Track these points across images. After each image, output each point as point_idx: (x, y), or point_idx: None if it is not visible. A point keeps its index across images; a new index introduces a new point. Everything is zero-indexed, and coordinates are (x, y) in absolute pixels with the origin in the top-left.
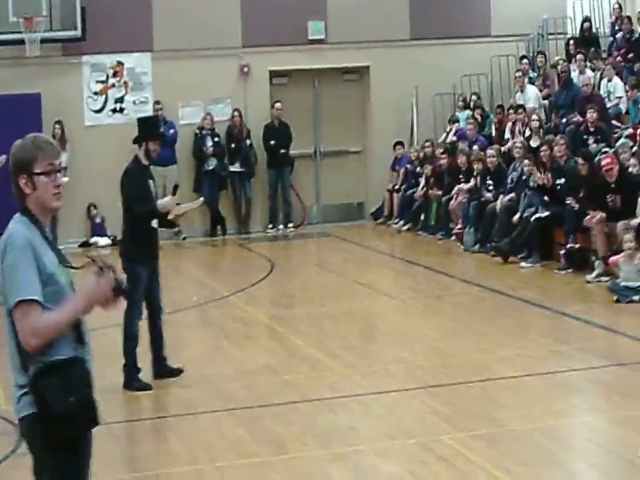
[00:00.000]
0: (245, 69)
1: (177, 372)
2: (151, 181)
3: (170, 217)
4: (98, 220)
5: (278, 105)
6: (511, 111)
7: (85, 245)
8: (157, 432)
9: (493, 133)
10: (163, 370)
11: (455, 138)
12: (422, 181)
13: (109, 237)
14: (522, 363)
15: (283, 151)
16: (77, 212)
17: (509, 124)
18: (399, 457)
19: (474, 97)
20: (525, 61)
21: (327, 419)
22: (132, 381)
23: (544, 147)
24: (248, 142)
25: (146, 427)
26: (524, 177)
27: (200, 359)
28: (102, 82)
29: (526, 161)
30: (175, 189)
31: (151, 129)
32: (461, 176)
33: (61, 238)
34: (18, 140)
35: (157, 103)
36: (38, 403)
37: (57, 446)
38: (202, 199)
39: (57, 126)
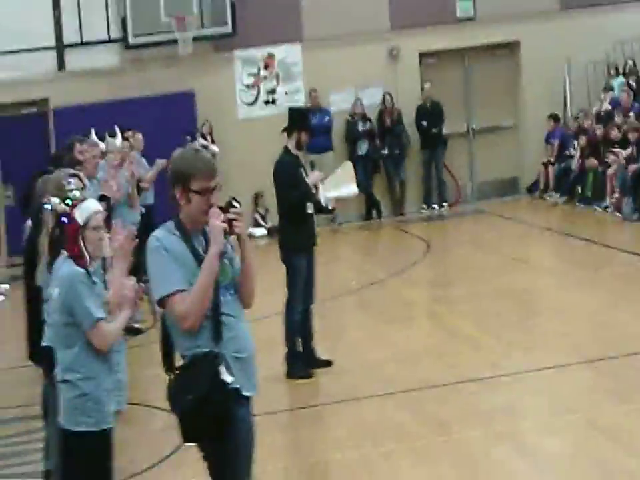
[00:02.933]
0: (394, 52)
1: (326, 364)
2: (301, 169)
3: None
4: (261, 211)
5: (427, 85)
6: None
7: None
8: (320, 419)
9: None
10: (312, 361)
11: (609, 107)
12: (577, 152)
13: (265, 228)
14: None
15: (434, 130)
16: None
17: None
18: (563, 434)
19: (629, 63)
20: None
21: (489, 398)
22: (294, 369)
23: None
24: (400, 125)
25: (309, 414)
26: None
27: (360, 343)
28: (254, 75)
29: None
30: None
31: (303, 119)
32: (616, 145)
33: None
34: (179, 149)
35: (313, 91)
36: (169, 402)
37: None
38: (355, 190)
39: (205, 125)
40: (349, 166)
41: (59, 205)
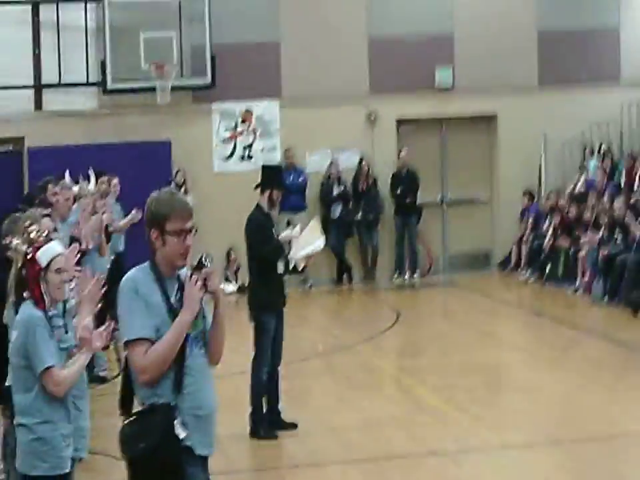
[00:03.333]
0: (372, 117)
1: (290, 426)
2: (273, 228)
3: (295, 264)
4: (233, 267)
5: (404, 152)
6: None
7: None
8: None
9: (622, 183)
10: (276, 423)
11: (582, 189)
12: (549, 230)
13: (235, 285)
14: None
15: (409, 199)
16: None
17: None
18: None
19: (603, 146)
20: None
21: (453, 472)
22: (259, 429)
23: None
24: (374, 190)
25: (271, 477)
26: None
27: (326, 408)
28: (231, 129)
29: None
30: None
31: (275, 177)
32: (589, 227)
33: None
34: (155, 192)
35: (287, 150)
36: (120, 447)
37: None
38: (322, 243)
39: (179, 174)
40: (315, 223)
41: (20, 247)
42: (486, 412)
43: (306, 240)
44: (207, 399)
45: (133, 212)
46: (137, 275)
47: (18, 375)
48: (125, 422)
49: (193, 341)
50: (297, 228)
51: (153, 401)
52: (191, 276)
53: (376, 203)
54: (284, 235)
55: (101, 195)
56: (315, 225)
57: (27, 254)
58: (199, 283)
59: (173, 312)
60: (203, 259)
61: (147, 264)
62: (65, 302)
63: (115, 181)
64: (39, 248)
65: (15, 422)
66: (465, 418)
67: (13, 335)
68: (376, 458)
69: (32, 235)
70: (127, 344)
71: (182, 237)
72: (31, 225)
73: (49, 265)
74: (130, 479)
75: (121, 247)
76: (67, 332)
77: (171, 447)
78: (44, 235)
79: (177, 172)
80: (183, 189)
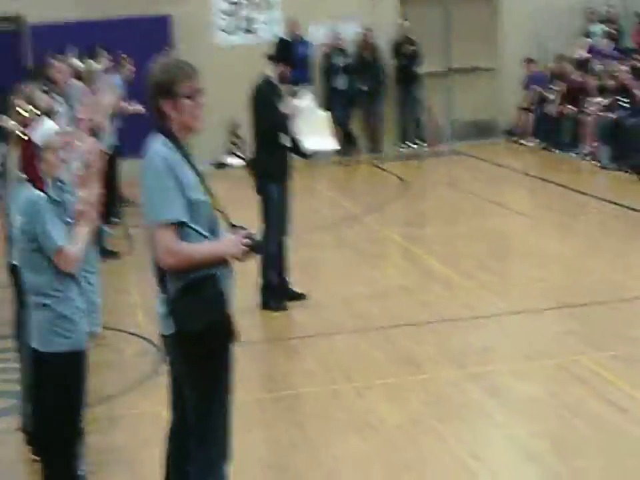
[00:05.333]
0: None
1: (300, 297)
2: (280, 99)
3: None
4: (238, 141)
5: (406, 22)
6: None
7: (221, 166)
8: (294, 352)
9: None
10: (286, 294)
11: (588, 54)
12: (556, 98)
13: (242, 158)
14: None
15: (411, 68)
16: (213, 132)
17: None
18: (535, 378)
19: (607, 9)
20: None
21: (463, 339)
22: (269, 301)
23: None
24: (377, 60)
25: (283, 347)
26: None
27: (335, 278)
28: (231, 2)
29: None
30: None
31: (290, 52)
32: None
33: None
34: (155, 63)
35: (293, 23)
36: (176, 323)
37: (200, 362)
38: (336, 146)
39: (170, 53)
40: (327, 118)
41: (13, 126)
42: (494, 279)
43: (314, 128)
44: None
45: (139, 107)
46: (165, 152)
47: (28, 257)
48: (175, 296)
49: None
50: (306, 98)
51: (195, 275)
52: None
53: (379, 73)
54: (292, 103)
55: (106, 71)
56: (325, 118)
57: (20, 134)
58: (245, 242)
59: (206, 187)
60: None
61: (159, 139)
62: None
63: (130, 66)
64: (31, 127)
65: (31, 303)
66: (473, 285)
67: (17, 220)
68: (386, 326)
69: (23, 115)
70: (161, 224)
71: (196, 98)
72: (20, 104)
73: (45, 144)
74: (190, 356)
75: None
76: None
77: (230, 318)
78: (37, 113)
79: (168, 50)
80: None
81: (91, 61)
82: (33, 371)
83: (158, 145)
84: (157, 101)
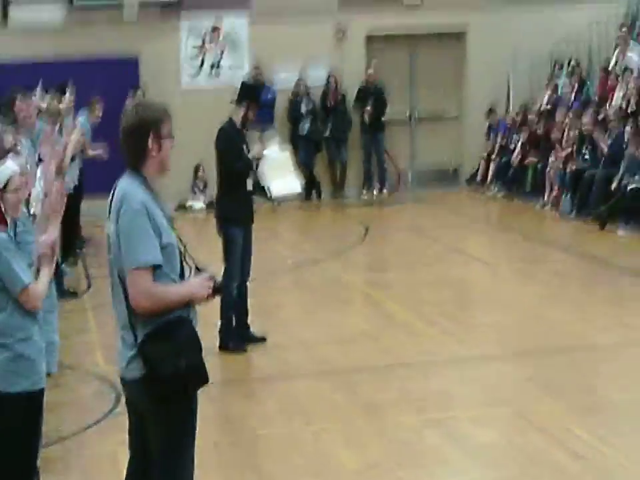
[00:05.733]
0: (341, 33)
1: (260, 340)
2: (245, 145)
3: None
4: (200, 184)
5: (370, 70)
6: (612, 75)
7: (182, 207)
8: (252, 394)
9: (593, 98)
10: (246, 337)
11: (551, 104)
12: (518, 146)
13: (204, 201)
14: (620, 332)
15: (375, 114)
16: (176, 175)
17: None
18: (494, 425)
19: (572, 62)
20: (624, 29)
21: (423, 384)
22: (228, 343)
23: None
24: (343, 106)
25: (241, 389)
26: (623, 145)
27: (295, 322)
28: (199, 46)
29: (627, 128)
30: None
31: (254, 94)
32: (556, 143)
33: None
34: (137, 102)
35: (256, 67)
36: (147, 367)
37: (170, 405)
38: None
39: (139, 92)
40: (288, 156)
41: None
42: (455, 326)
43: (278, 169)
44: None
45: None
46: (140, 193)
47: None
48: (145, 340)
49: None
50: (271, 145)
51: (168, 318)
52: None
53: (344, 119)
54: (255, 150)
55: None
56: (288, 158)
57: None
58: (210, 285)
59: (174, 229)
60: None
61: (134, 179)
62: (33, 217)
63: (99, 105)
64: None
65: None
66: (434, 331)
67: None
68: (345, 371)
69: None
70: (138, 267)
71: (171, 139)
72: None
73: (5, 185)
74: (158, 399)
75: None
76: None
77: (203, 361)
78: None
79: (137, 89)
80: None
81: (55, 101)
82: None
83: (135, 186)
84: (144, 141)
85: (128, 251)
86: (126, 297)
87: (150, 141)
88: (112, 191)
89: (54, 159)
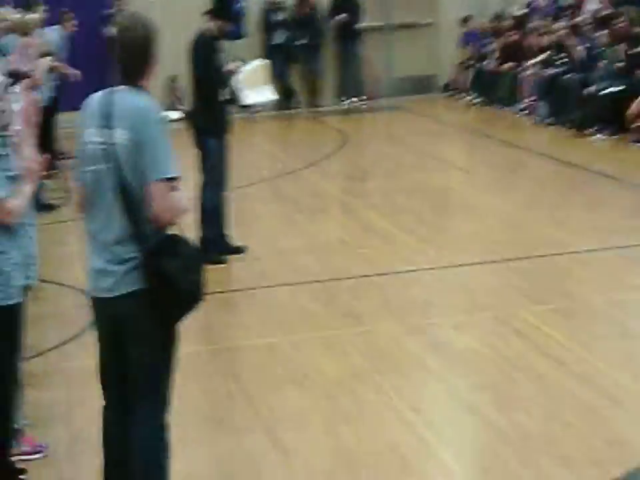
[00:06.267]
0: None
1: (238, 250)
2: (220, 55)
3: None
4: (177, 94)
5: None
6: None
7: None
8: (232, 304)
9: (566, 3)
10: (225, 247)
11: (525, 10)
12: (494, 54)
13: (182, 111)
14: (597, 237)
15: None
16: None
17: None
18: (474, 331)
19: None
20: None
21: (402, 292)
22: (207, 254)
23: (620, 18)
24: (315, 14)
25: (220, 300)
26: (596, 51)
27: (274, 232)
28: None
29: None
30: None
31: (227, 8)
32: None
33: None
34: (133, 14)
35: None
36: (157, 281)
37: (169, 322)
38: (274, 96)
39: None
40: (264, 67)
41: None
42: (433, 233)
43: (254, 78)
44: None
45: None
46: (155, 103)
47: None
48: (154, 253)
49: None
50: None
51: (162, 234)
52: None
53: (317, 28)
54: (231, 65)
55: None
56: (263, 67)
57: None
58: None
59: None
60: None
61: (138, 93)
62: (4, 130)
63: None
64: None
65: None
66: (412, 240)
67: None
68: (325, 280)
69: None
70: (164, 179)
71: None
72: None
73: None
74: (158, 314)
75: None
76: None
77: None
78: None
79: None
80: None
81: (27, 13)
82: None
83: (148, 98)
84: (149, 55)
85: (156, 161)
86: (130, 209)
87: (151, 55)
88: (98, 101)
89: (27, 72)
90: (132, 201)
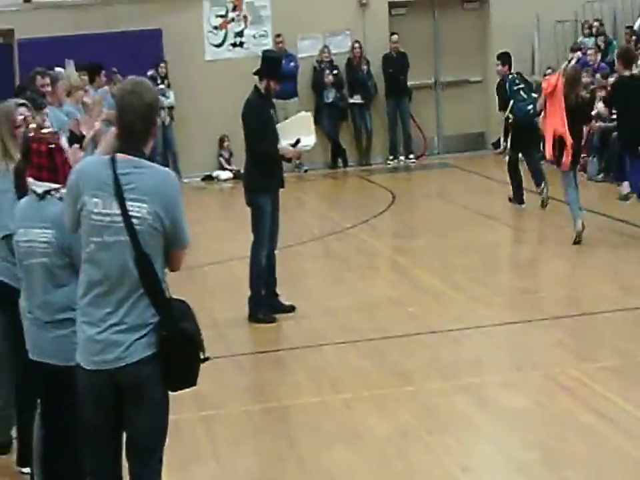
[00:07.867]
0: (364, 1)
1: (289, 309)
2: (272, 111)
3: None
4: (226, 154)
5: (395, 37)
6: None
7: (209, 178)
8: (282, 363)
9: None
10: (274, 306)
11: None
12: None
13: (231, 171)
14: None
15: (401, 77)
16: (202, 146)
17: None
18: (523, 389)
19: (596, 23)
20: None
21: (452, 350)
22: (257, 313)
23: None
24: (367, 73)
25: (271, 359)
26: None
27: (323, 290)
28: (222, 16)
29: None
30: (297, 143)
31: (275, 68)
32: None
33: (185, 171)
34: (138, 80)
35: (277, 36)
36: (185, 345)
37: (174, 382)
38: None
39: (162, 65)
40: (308, 117)
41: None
42: (482, 291)
43: (294, 129)
44: None
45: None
46: None
47: (57, 272)
48: (174, 317)
49: None
50: (286, 123)
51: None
52: None
53: (368, 86)
54: (282, 148)
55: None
56: (306, 117)
57: (49, 144)
58: None
59: None
60: None
61: (143, 159)
62: None
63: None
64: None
65: (54, 318)
66: (462, 297)
67: (48, 235)
68: (374, 338)
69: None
70: (185, 246)
71: None
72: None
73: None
74: (166, 377)
75: None
76: None
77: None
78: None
79: (159, 65)
80: (165, 83)
81: (83, 77)
82: (47, 386)
83: (166, 170)
84: (154, 119)
85: (182, 231)
86: (147, 277)
87: (155, 121)
88: (99, 169)
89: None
90: (150, 271)
